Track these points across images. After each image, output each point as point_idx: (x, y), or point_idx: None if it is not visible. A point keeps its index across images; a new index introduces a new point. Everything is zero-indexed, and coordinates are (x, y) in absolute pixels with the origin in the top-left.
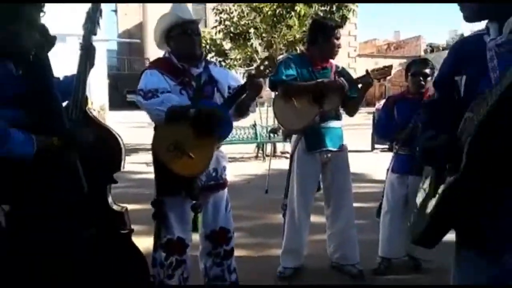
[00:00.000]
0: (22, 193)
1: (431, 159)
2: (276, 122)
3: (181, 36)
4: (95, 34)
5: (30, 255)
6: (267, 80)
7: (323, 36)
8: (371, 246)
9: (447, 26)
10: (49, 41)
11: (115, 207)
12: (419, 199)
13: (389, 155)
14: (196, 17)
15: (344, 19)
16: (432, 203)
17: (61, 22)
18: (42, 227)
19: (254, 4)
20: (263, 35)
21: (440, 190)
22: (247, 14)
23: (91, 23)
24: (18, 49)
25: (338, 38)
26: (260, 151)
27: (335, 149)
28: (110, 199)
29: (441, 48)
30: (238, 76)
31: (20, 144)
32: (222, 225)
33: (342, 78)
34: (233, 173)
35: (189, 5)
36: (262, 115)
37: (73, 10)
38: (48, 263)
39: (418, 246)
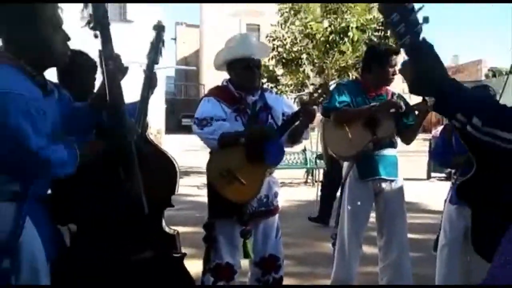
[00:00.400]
0: (87, 212)
1: None
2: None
3: (243, 70)
4: (157, 63)
5: (89, 275)
6: (319, 107)
7: (378, 63)
8: (427, 281)
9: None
10: (122, 70)
11: (167, 230)
12: None
13: (447, 184)
14: (261, 53)
15: (398, 45)
16: None
17: (124, 50)
18: (102, 247)
19: (307, 30)
20: (315, 61)
21: None
22: (300, 40)
23: (155, 53)
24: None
25: (393, 66)
26: (310, 177)
27: (389, 178)
28: (163, 222)
29: (504, 73)
30: (292, 103)
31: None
32: (272, 252)
33: (395, 98)
34: (282, 198)
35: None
36: (312, 141)
37: (135, 39)
38: (106, 284)
39: None
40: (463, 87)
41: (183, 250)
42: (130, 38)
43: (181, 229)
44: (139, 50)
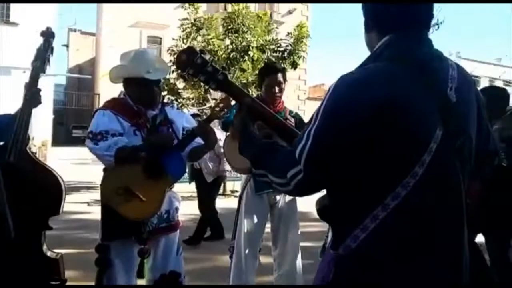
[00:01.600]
0: None
1: None
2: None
3: (140, 88)
4: (43, 72)
5: None
6: (220, 123)
7: (262, 81)
8: None
9: None
10: None
11: (49, 253)
12: None
13: None
14: (159, 73)
15: (294, 65)
16: None
17: (6, 54)
18: None
19: (210, 46)
20: None
21: None
22: None
23: (41, 62)
24: None
25: (277, 83)
26: None
27: None
28: (44, 246)
29: None
30: (193, 120)
31: None
32: (173, 268)
33: (291, 120)
34: (181, 212)
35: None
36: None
37: (19, 43)
38: None
39: None
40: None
41: (70, 273)
42: (14, 41)
43: (67, 250)
44: (23, 55)
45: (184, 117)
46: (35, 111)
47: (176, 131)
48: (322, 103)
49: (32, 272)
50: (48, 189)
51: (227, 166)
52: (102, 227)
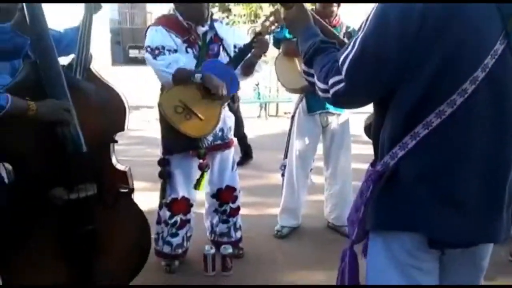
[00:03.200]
0: (19, 150)
1: None
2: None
3: (190, 1)
4: None
5: (32, 212)
6: (271, 38)
7: None
8: None
9: None
10: None
11: (118, 166)
12: None
13: None
14: None
15: None
16: None
17: None
18: (45, 184)
19: None
20: None
21: None
22: None
23: None
24: None
25: None
26: (263, 111)
27: (336, 112)
28: (114, 158)
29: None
30: (244, 34)
31: None
32: (229, 183)
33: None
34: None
35: None
36: (265, 75)
37: None
38: (52, 220)
39: None
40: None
41: (136, 184)
42: None
43: (133, 164)
44: None
45: (234, 33)
46: (93, 30)
47: (227, 48)
48: (372, 10)
49: (104, 182)
50: (114, 106)
51: None
52: (162, 142)
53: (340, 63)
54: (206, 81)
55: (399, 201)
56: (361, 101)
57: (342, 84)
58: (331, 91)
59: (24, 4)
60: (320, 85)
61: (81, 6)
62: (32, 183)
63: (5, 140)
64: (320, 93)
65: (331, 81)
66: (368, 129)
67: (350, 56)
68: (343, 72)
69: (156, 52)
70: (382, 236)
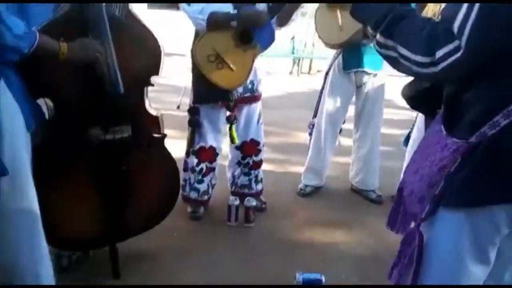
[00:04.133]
0: (60, 86)
1: None
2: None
3: None
4: None
5: (70, 149)
6: None
7: None
8: (394, 174)
9: None
10: None
11: (151, 111)
12: None
13: None
14: None
15: None
16: None
17: None
18: (82, 122)
19: None
20: None
21: None
22: None
23: None
24: None
25: None
26: (296, 67)
27: (372, 71)
28: (147, 103)
29: None
30: None
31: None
32: (253, 137)
33: None
34: (265, 87)
35: None
36: (302, 28)
37: None
38: (87, 159)
39: None
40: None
41: (167, 131)
42: None
43: (164, 111)
44: None
45: None
46: None
47: None
48: None
49: (139, 125)
50: (151, 49)
51: None
52: (193, 91)
53: (456, 29)
54: (243, 15)
55: (501, 173)
56: (475, 73)
57: (459, 54)
58: (443, 64)
59: None
60: (417, 58)
61: None
62: (71, 121)
63: (48, 76)
64: (415, 68)
65: (441, 52)
66: (416, 99)
67: (470, 20)
68: (464, 39)
69: None
70: (463, 212)
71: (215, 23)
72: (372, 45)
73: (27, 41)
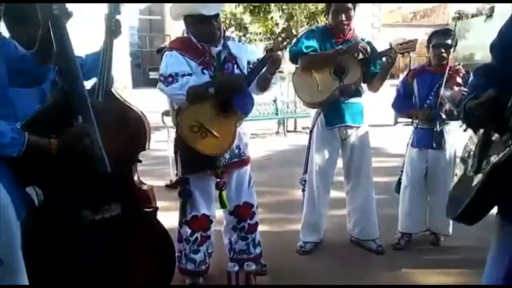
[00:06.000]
0: (47, 172)
1: (471, 119)
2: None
3: (199, 23)
4: (119, 14)
5: (60, 233)
6: (287, 53)
7: (329, 7)
8: (390, 221)
9: None
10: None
11: (141, 185)
12: (459, 171)
13: (412, 129)
14: (213, 8)
15: None
16: (477, 178)
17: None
18: (71, 206)
19: None
20: (284, 7)
21: (487, 168)
22: None
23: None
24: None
25: (345, 12)
26: (281, 127)
27: (355, 125)
28: (136, 178)
29: (470, 16)
30: (256, 50)
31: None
32: (246, 200)
33: (365, 43)
34: (254, 149)
35: None
36: (283, 90)
37: None
38: (78, 242)
39: (459, 222)
40: None
41: (158, 203)
42: None
43: (156, 184)
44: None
45: (247, 49)
46: (114, 54)
47: (241, 66)
48: None
49: (128, 202)
50: (135, 127)
51: None
52: (181, 162)
53: None
54: (219, 83)
55: None
56: None
57: None
58: None
59: (51, 31)
60: None
61: (101, 33)
62: (60, 205)
63: (36, 165)
64: None
65: None
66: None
67: None
68: None
69: (170, 79)
70: None
71: (194, 95)
72: (351, 100)
73: (15, 146)
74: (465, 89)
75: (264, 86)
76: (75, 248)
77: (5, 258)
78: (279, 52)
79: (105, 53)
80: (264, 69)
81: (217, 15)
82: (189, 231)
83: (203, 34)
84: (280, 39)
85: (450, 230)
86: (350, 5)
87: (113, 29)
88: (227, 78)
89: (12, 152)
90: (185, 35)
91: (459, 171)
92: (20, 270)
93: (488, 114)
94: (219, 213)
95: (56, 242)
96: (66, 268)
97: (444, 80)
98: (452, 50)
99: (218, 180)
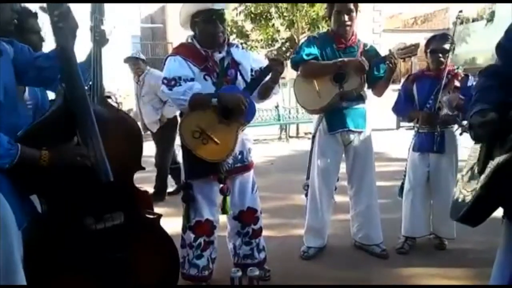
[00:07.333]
0: (50, 182)
1: (477, 135)
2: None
3: (206, 22)
4: (102, 24)
5: (63, 241)
6: (289, 61)
7: (333, 10)
8: (394, 225)
9: None
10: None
11: (143, 192)
12: (464, 174)
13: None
14: (222, 6)
15: None
16: (480, 180)
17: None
18: (74, 215)
19: None
20: (285, 14)
21: (490, 167)
22: None
23: (99, 10)
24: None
25: (348, 12)
26: (284, 132)
27: (357, 130)
28: (137, 185)
29: (471, 20)
30: (260, 58)
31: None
32: (250, 205)
33: (363, 58)
34: (256, 155)
35: None
36: (284, 97)
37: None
38: (81, 250)
39: (462, 224)
40: None
41: (160, 210)
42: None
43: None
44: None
45: (250, 57)
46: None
47: (244, 73)
48: None
49: (131, 209)
50: (134, 134)
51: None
52: (184, 167)
53: None
54: (222, 100)
55: None
56: None
57: None
58: None
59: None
60: None
61: (88, 42)
62: (63, 214)
63: (37, 175)
64: None
65: None
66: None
67: None
68: None
69: (172, 83)
70: None
71: (196, 103)
72: (353, 105)
73: (7, 158)
74: (461, 96)
75: (265, 95)
76: (78, 257)
77: (3, 268)
78: (282, 60)
79: (95, 63)
80: (266, 78)
81: (223, 19)
82: (192, 236)
83: (208, 35)
84: (284, 49)
85: (454, 233)
86: (352, 6)
87: (97, 39)
88: (231, 96)
89: (4, 163)
90: (189, 41)
91: (464, 174)
92: (19, 280)
93: (490, 134)
94: (222, 219)
95: (58, 250)
96: (69, 276)
97: (443, 84)
98: (449, 54)
99: (222, 185)
